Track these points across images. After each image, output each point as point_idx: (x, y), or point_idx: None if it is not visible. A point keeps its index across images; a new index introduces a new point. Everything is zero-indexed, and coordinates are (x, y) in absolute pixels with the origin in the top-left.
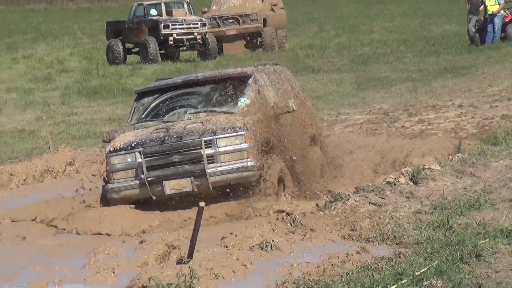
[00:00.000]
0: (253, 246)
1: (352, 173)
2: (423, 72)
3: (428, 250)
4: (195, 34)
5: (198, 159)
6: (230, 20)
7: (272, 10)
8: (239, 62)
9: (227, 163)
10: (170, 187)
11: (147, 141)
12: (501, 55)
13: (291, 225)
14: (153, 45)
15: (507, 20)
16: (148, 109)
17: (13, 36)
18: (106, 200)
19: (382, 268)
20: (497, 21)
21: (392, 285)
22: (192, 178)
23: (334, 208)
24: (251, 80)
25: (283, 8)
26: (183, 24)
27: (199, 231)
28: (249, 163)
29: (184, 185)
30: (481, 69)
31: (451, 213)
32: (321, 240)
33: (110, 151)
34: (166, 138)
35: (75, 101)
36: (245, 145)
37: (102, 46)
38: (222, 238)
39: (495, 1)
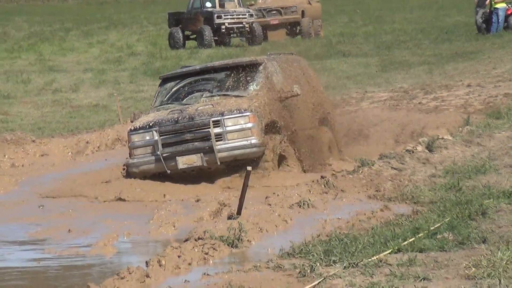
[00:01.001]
0: (293, 204)
1: (377, 142)
2: (437, 56)
3: (441, 208)
4: (244, 23)
5: (207, 137)
6: (274, 12)
7: (309, 3)
8: (281, 47)
9: (233, 140)
10: (182, 162)
11: (163, 121)
12: (504, 42)
13: (324, 186)
14: (208, 33)
15: (509, 13)
16: (170, 93)
17: (89, 25)
18: (128, 174)
19: (402, 223)
20: (501, 13)
21: (411, 238)
22: (202, 154)
23: (361, 172)
24: (261, 67)
25: (318, 1)
26: (233, 15)
27: (246, 191)
28: (253, 141)
29: (195, 160)
30: (487, 54)
31: (461, 176)
32: (350, 199)
33: (131, 130)
34: (179, 118)
35: (141, 80)
36: (249, 125)
37: (164, 33)
38: (266, 198)
39: None
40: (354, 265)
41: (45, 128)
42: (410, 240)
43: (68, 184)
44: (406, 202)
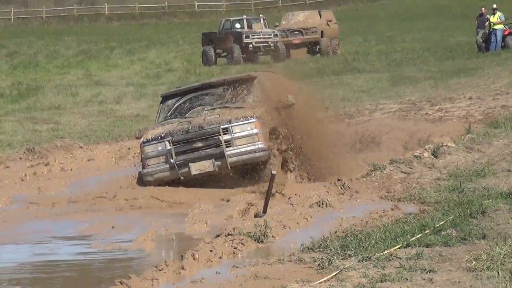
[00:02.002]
0: (312, 204)
1: (388, 149)
2: (442, 72)
3: (445, 207)
4: (269, 42)
5: (217, 143)
6: (296, 32)
7: (328, 24)
8: (303, 64)
9: (242, 146)
10: (195, 168)
11: (175, 131)
12: (502, 60)
13: (341, 188)
14: (237, 51)
15: (506, 33)
16: (172, 109)
17: (131, 44)
18: (142, 182)
19: (410, 221)
20: (499, 34)
21: (418, 234)
22: (213, 160)
23: (374, 176)
24: (255, 80)
25: (336, 23)
26: (260, 35)
27: (271, 193)
28: (259, 145)
29: (207, 166)
30: (486, 70)
31: (463, 179)
32: (364, 199)
33: (143, 142)
34: (190, 128)
35: None
36: (255, 130)
37: (198, 51)
38: (289, 198)
39: (498, 18)
40: (367, 258)
41: (91, 135)
42: (418, 236)
43: (113, 185)
44: (414, 202)
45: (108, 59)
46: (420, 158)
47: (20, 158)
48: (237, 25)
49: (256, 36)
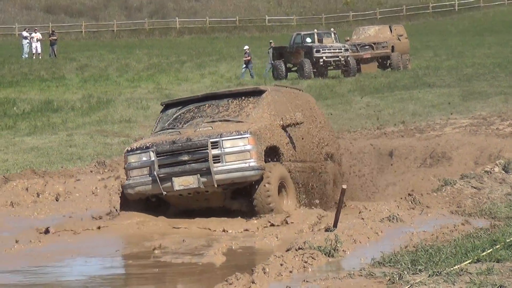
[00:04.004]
0: (383, 219)
1: (458, 164)
2: None
3: None
4: (340, 57)
5: (204, 158)
6: (366, 47)
7: (398, 39)
8: (373, 78)
9: (232, 162)
10: (179, 183)
11: (160, 142)
12: None
13: (411, 203)
14: (307, 65)
15: None
16: (171, 119)
17: (201, 57)
18: (124, 196)
19: (481, 236)
20: None
21: (489, 249)
22: (199, 175)
23: (445, 190)
24: (264, 94)
25: (406, 38)
26: (330, 49)
27: (342, 207)
28: (251, 163)
29: (191, 181)
30: None
31: None
32: (434, 214)
33: (127, 151)
34: (177, 139)
35: None
36: (248, 147)
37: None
38: (359, 212)
39: None
40: (438, 273)
41: None
42: (488, 251)
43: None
44: (484, 217)
45: (179, 72)
46: (491, 173)
47: (91, 171)
48: (308, 39)
49: (326, 50)
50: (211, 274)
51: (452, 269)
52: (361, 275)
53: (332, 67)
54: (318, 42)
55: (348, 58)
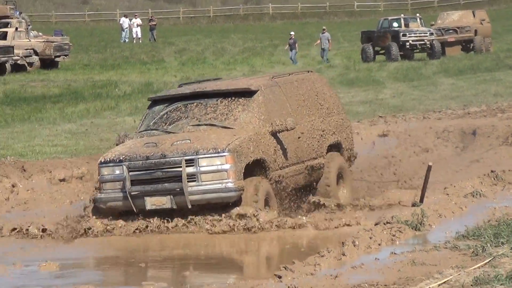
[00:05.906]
0: (467, 194)
1: None
2: None
3: None
4: (425, 40)
5: (178, 177)
6: (451, 31)
7: (481, 23)
8: (457, 60)
9: (208, 182)
10: (151, 202)
11: (134, 155)
12: None
13: (494, 179)
14: (394, 48)
15: None
16: (157, 118)
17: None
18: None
19: None
20: None
21: None
22: (172, 196)
23: None
24: (255, 95)
25: (488, 22)
26: (416, 33)
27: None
28: (229, 184)
29: (164, 201)
30: None
31: None
32: None
33: (101, 162)
34: (151, 154)
35: (338, 88)
36: (226, 166)
37: (357, 49)
38: (444, 188)
39: None
40: None
41: None
42: None
43: None
44: None
45: (272, 56)
46: None
47: None
48: (395, 24)
49: (413, 34)
50: (304, 247)
51: None
52: (446, 248)
53: (418, 50)
54: (405, 26)
55: (433, 42)
